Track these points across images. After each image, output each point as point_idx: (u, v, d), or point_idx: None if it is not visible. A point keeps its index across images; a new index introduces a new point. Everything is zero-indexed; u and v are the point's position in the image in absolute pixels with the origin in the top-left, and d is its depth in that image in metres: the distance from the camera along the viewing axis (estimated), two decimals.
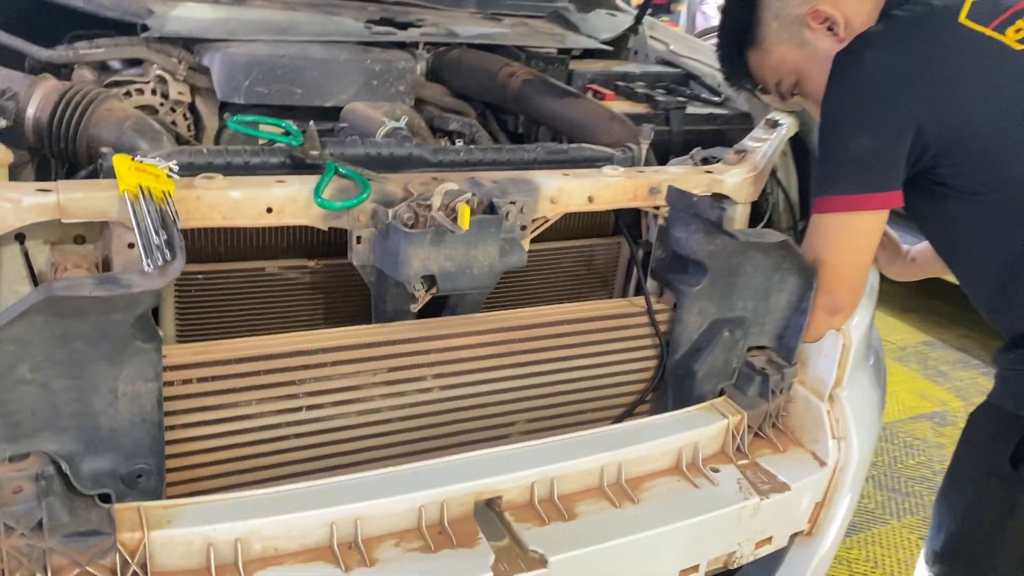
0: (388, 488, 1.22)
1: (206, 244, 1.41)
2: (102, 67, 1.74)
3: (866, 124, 1.43)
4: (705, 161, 1.71)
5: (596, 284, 1.83)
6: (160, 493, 1.17)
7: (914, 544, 2.63)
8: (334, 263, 1.48)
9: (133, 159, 1.17)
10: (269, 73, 1.67)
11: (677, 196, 1.47)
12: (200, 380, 1.22)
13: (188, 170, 1.26)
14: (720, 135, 1.96)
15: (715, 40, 1.78)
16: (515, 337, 1.45)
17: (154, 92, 1.68)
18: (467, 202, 1.26)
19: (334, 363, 1.30)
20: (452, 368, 1.40)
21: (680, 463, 1.45)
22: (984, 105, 1.40)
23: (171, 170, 1.18)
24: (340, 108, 1.73)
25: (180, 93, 1.69)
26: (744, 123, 1.99)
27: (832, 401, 1.59)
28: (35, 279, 1.22)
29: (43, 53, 1.62)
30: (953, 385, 3.67)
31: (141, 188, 1.11)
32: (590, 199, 1.48)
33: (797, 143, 1.88)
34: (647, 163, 1.68)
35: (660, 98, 1.97)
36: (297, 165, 1.34)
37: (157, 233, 1.06)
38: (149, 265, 1.04)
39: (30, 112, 1.38)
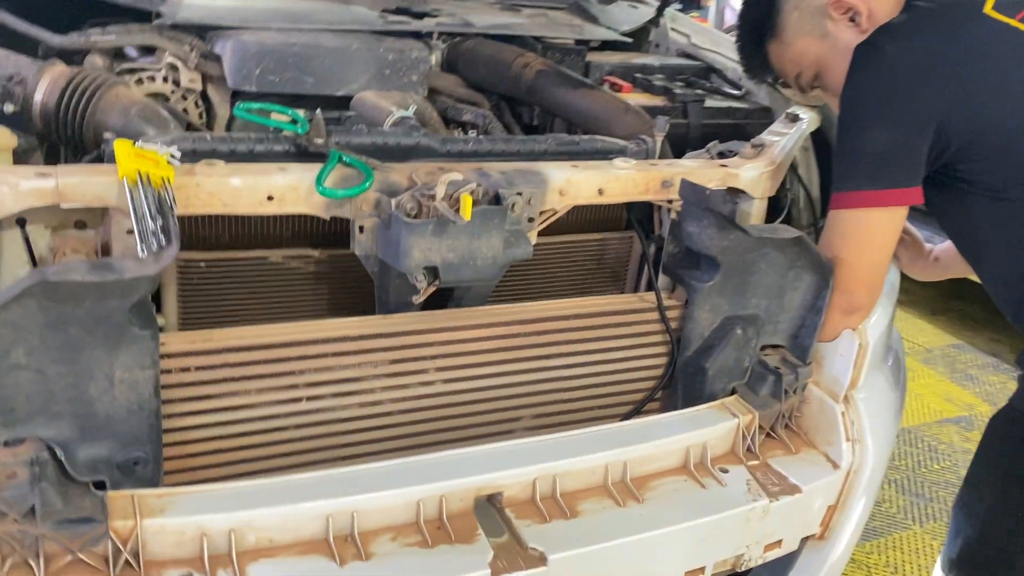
0: (386, 481, 1.20)
1: (210, 232, 1.41)
2: (117, 55, 1.74)
3: (885, 118, 1.39)
4: (721, 155, 1.68)
5: (607, 279, 1.80)
6: (157, 482, 1.16)
7: (936, 550, 2.57)
8: (338, 253, 1.46)
9: (134, 145, 1.16)
10: (280, 61, 1.65)
11: (690, 190, 1.44)
12: (198, 368, 1.21)
13: (192, 157, 1.25)
14: (739, 129, 1.92)
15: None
16: (521, 331, 1.42)
17: (165, 80, 1.68)
18: (471, 192, 1.24)
19: (335, 354, 1.29)
20: (455, 361, 1.38)
21: (688, 462, 1.42)
22: (1009, 99, 1.35)
23: (172, 156, 1.17)
24: (351, 97, 1.71)
25: (191, 81, 1.68)
26: (764, 117, 1.95)
27: (847, 402, 1.55)
28: (35, 264, 1.22)
29: (55, 39, 1.62)
30: (982, 389, 3.59)
31: (140, 174, 1.10)
32: (600, 192, 1.45)
33: (819, 139, 1.84)
34: (662, 156, 1.64)
35: (678, 91, 1.93)
36: (302, 153, 1.32)
37: (153, 219, 1.05)
38: (144, 251, 1.03)
39: (38, 97, 1.38)
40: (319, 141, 1.30)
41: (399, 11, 1.97)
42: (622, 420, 1.52)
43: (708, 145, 1.71)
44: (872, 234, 1.45)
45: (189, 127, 1.63)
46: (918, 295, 4.39)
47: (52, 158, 1.49)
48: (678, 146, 1.81)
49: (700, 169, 1.55)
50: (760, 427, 1.50)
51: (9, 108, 1.37)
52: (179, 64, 1.68)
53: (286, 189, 1.23)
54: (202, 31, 1.72)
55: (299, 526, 1.15)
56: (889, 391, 1.65)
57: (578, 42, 2.13)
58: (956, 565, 1.53)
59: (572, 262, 1.75)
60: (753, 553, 1.44)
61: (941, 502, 2.81)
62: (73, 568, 1.05)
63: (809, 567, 1.59)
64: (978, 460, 1.53)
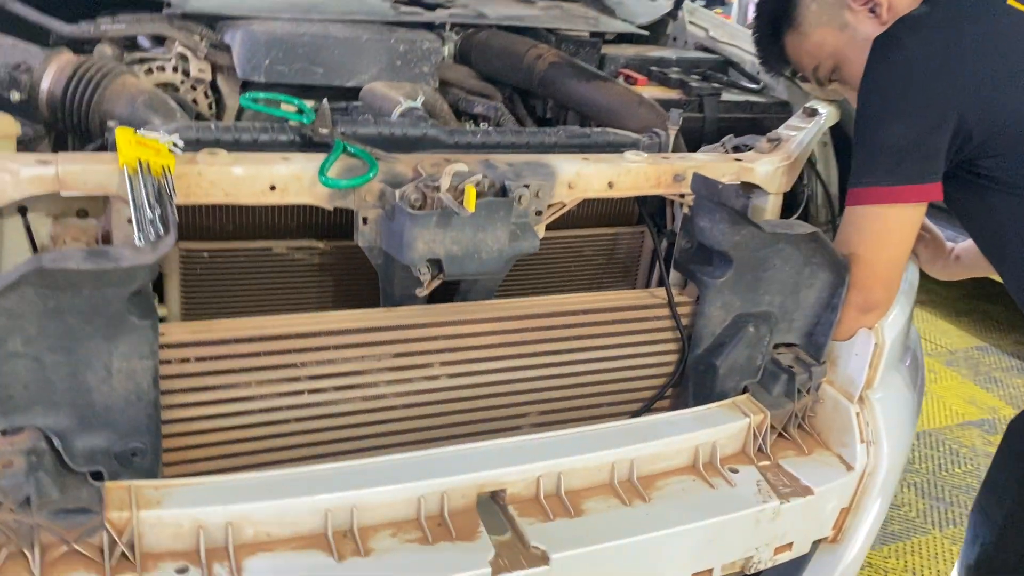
0: (387, 476, 1.18)
1: (214, 222, 1.39)
2: (128, 45, 1.74)
3: (904, 112, 1.35)
4: (736, 149, 1.64)
5: (618, 274, 1.77)
6: (156, 473, 1.15)
7: (955, 556, 2.52)
8: (344, 245, 1.45)
9: (136, 133, 1.15)
10: (290, 52, 1.64)
11: (702, 183, 1.41)
12: (199, 359, 1.20)
13: (195, 146, 1.23)
14: (757, 123, 1.89)
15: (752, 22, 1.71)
16: (528, 326, 1.40)
17: (175, 69, 1.67)
18: (476, 184, 1.22)
19: (337, 346, 1.27)
20: (461, 356, 1.36)
21: (696, 462, 1.39)
22: None
23: (174, 145, 1.16)
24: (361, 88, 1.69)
25: (201, 71, 1.68)
26: (782, 112, 1.91)
27: (862, 403, 1.51)
28: (37, 252, 1.21)
29: (65, 28, 1.62)
30: (1006, 392, 3.52)
31: (140, 162, 1.09)
32: (610, 185, 1.42)
33: (839, 134, 1.80)
34: (676, 150, 1.61)
35: (694, 84, 1.90)
36: (306, 143, 1.31)
37: (151, 208, 1.04)
38: (141, 240, 1.02)
39: (44, 85, 1.37)
40: (324, 131, 1.29)
41: (412, 2, 1.95)
42: (631, 418, 1.49)
43: (723, 139, 1.67)
44: (889, 231, 1.41)
45: (199, 118, 1.62)
46: (942, 296, 4.33)
47: (60, 147, 1.48)
48: (694, 140, 1.78)
49: (713, 163, 1.51)
50: (772, 427, 1.47)
51: (15, 96, 1.37)
52: (189, 54, 1.67)
53: (289, 179, 1.22)
54: (212, 21, 1.72)
55: (297, 520, 1.13)
56: (906, 392, 1.61)
57: (593, 34, 2.10)
58: (974, 571, 1.50)
59: (582, 257, 1.72)
60: (763, 555, 1.41)
61: (962, 506, 2.76)
62: (68, 559, 1.04)
63: (821, 571, 1.55)
64: (997, 463, 1.49)
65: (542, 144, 1.49)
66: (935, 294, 4.31)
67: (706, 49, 2.24)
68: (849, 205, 1.43)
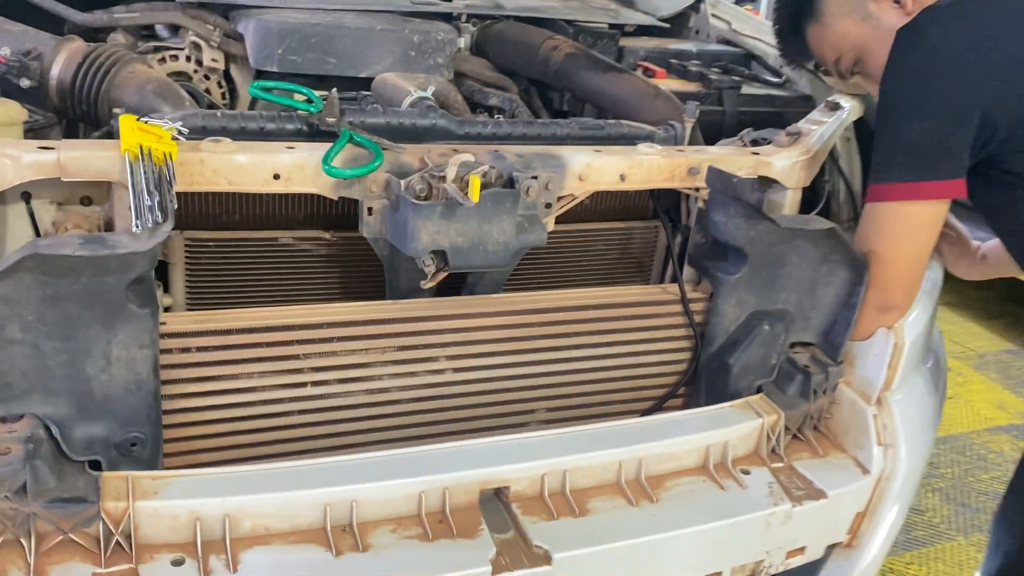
0: (387, 471, 1.17)
1: (220, 211, 1.38)
2: (143, 34, 1.73)
3: (926, 107, 1.31)
4: (754, 143, 1.60)
5: (631, 269, 1.74)
6: (156, 464, 1.14)
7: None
8: (350, 236, 1.43)
9: (139, 119, 1.14)
10: (303, 41, 1.63)
11: (717, 177, 1.38)
12: (200, 349, 1.19)
13: (201, 134, 1.23)
14: (778, 117, 1.84)
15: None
16: (536, 320, 1.38)
17: (188, 59, 1.67)
18: (482, 174, 1.20)
19: (341, 339, 1.26)
20: (467, 350, 1.34)
21: (707, 462, 1.36)
22: None
23: (178, 132, 1.14)
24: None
25: (214, 60, 1.67)
26: (804, 106, 1.87)
27: (880, 405, 1.47)
28: None
29: (79, 17, 1.62)
30: None
31: (141, 149, 1.08)
32: (622, 177, 1.39)
33: (863, 129, 1.75)
34: (693, 143, 1.58)
35: (714, 77, 1.86)
36: (313, 132, 1.29)
37: (151, 195, 1.03)
38: (138, 227, 1.00)
39: (54, 72, 1.37)
40: (331, 120, 1.27)
41: None
42: (641, 416, 1.46)
43: (741, 132, 1.63)
44: (910, 228, 1.37)
45: (211, 107, 1.61)
46: (971, 297, 4.23)
47: (72, 135, 1.48)
48: (713, 134, 1.74)
49: (729, 156, 1.48)
50: (786, 428, 1.43)
51: (26, 83, 1.37)
52: (202, 43, 1.66)
53: (293, 168, 1.20)
54: (226, 10, 1.71)
55: (296, 514, 1.12)
56: (927, 395, 1.56)
57: (612, 26, 2.07)
58: None
59: (594, 251, 1.69)
60: (774, 559, 1.37)
61: (989, 513, 2.68)
62: (64, 548, 1.04)
63: None
64: (1020, 470, 1.45)
65: (554, 136, 1.47)
66: (965, 295, 4.22)
67: (729, 42, 2.20)
68: (869, 201, 1.39)
